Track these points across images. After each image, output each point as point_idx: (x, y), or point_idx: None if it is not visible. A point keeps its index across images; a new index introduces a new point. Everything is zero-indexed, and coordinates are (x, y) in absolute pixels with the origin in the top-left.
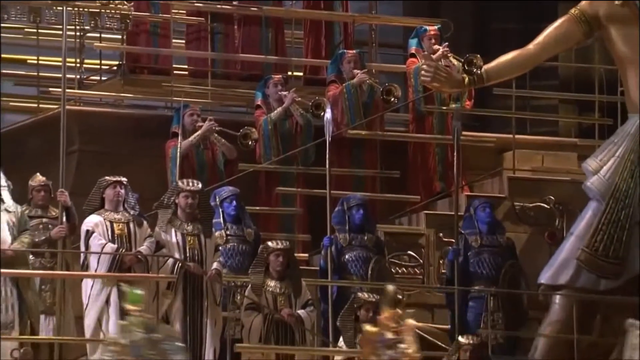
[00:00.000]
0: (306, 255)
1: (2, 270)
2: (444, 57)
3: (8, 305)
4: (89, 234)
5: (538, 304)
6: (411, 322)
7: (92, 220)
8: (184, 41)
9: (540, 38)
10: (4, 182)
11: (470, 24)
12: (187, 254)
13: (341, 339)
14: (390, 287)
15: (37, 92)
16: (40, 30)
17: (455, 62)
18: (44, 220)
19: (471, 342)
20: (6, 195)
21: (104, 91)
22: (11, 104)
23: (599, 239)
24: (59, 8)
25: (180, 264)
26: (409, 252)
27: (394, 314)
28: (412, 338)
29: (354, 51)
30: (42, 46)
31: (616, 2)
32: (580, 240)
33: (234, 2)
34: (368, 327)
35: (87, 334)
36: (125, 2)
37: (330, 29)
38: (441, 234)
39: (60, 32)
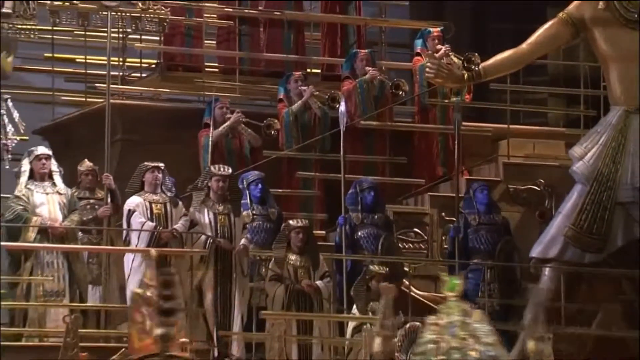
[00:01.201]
0: (323, 232)
1: (55, 245)
2: (445, 55)
3: (60, 276)
4: (130, 213)
5: (530, 276)
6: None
7: (133, 201)
8: (214, 42)
9: (532, 38)
10: (55, 168)
11: (470, 25)
12: (218, 231)
13: (354, 306)
14: (153, 251)
15: (85, 88)
16: (87, 33)
17: (456, 60)
18: (91, 201)
19: (470, 309)
20: (58, 180)
21: (144, 86)
22: (62, 97)
23: (584, 218)
24: (104, 13)
25: (211, 240)
26: (415, 229)
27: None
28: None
29: (366, 51)
30: (89, 47)
31: (599, 7)
32: (567, 218)
33: (260, 7)
34: (137, 290)
35: (129, 302)
36: (162, 7)
37: (345, 31)
38: (443, 214)
39: (105, 34)
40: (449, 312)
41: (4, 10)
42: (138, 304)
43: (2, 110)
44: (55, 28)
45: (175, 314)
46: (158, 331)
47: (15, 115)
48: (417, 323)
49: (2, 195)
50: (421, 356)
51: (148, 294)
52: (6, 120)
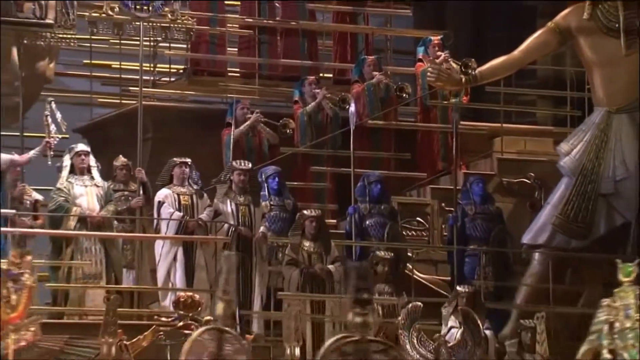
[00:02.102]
0: (334, 221)
1: (92, 233)
2: (445, 61)
3: (97, 260)
4: (160, 204)
5: (521, 260)
6: (29, 257)
7: (163, 193)
8: (236, 49)
9: (523, 46)
10: (93, 163)
11: (467, 34)
12: (239, 221)
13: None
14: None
15: (120, 91)
16: (122, 41)
17: (454, 65)
18: (125, 193)
19: (467, 290)
20: (96, 174)
21: (172, 89)
22: (99, 100)
23: (570, 208)
24: (137, 23)
25: (233, 228)
26: (418, 218)
27: (16, 254)
28: (29, 271)
29: (373, 57)
30: (124, 54)
31: (584, 17)
32: (555, 208)
33: (277, 18)
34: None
35: (159, 283)
36: (189, 18)
37: (354, 39)
38: (443, 204)
39: (138, 43)
40: (625, 296)
41: (47, 21)
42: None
43: (46, 111)
44: (93, 37)
45: (370, 303)
46: (357, 319)
47: (58, 115)
48: (419, 303)
49: (45, 187)
50: (595, 335)
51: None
52: (50, 120)
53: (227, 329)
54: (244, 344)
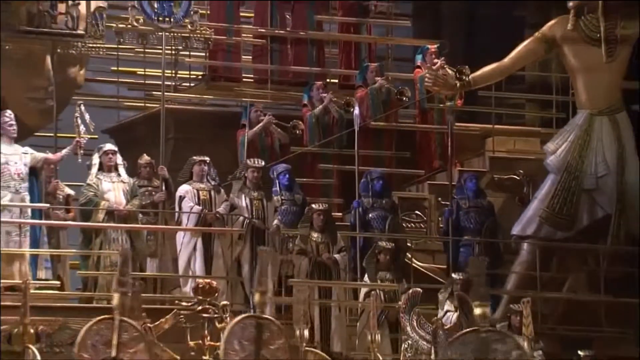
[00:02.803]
0: (340, 214)
1: (119, 225)
2: (441, 68)
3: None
4: (181, 198)
5: (511, 250)
6: None
7: (183, 189)
8: (250, 57)
9: (513, 54)
10: (120, 161)
11: (461, 43)
12: (253, 214)
13: (366, 275)
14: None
15: (144, 95)
16: (146, 50)
17: (450, 71)
18: (149, 188)
19: (462, 277)
20: (122, 171)
21: (192, 94)
22: (125, 103)
23: (556, 202)
24: (159, 33)
25: (248, 221)
26: (416, 211)
27: None
28: None
29: (376, 64)
30: (147, 61)
31: (568, 27)
32: (542, 202)
33: (287, 29)
34: None
35: (180, 271)
36: (207, 29)
37: (358, 48)
38: (439, 199)
39: (161, 51)
40: None
41: (78, 31)
42: None
43: (76, 114)
44: (119, 46)
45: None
46: (477, 311)
47: (87, 117)
48: (418, 289)
49: (76, 183)
50: None
51: None
52: (80, 121)
53: (265, 316)
54: (281, 328)
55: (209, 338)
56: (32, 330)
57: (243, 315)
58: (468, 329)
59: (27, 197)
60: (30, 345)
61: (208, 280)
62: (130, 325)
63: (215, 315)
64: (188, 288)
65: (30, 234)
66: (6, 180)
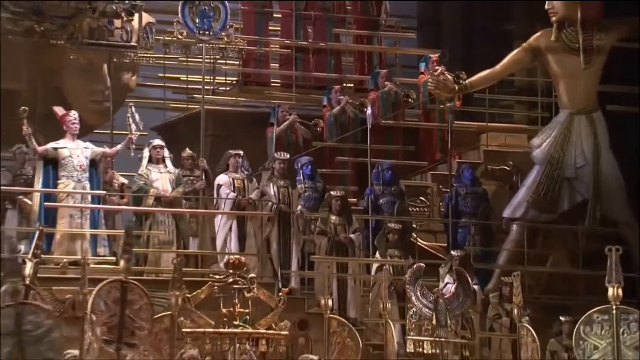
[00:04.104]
0: (355, 199)
1: (166, 209)
2: (442, 74)
3: (169, 230)
4: (219, 186)
5: (502, 230)
6: None
7: (221, 178)
8: (277, 64)
9: (503, 61)
10: (167, 154)
11: (459, 52)
12: (280, 200)
13: (377, 253)
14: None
15: (186, 98)
16: (188, 59)
17: (449, 77)
18: (191, 178)
19: (459, 254)
20: (168, 163)
21: (228, 96)
22: (170, 105)
23: (541, 189)
24: (200, 45)
25: (275, 206)
26: (420, 197)
27: None
28: None
29: (386, 70)
30: (190, 68)
31: (551, 39)
32: (529, 189)
33: (309, 40)
34: None
35: (218, 249)
36: (241, 40)
37: (370, 57)
38: (440, 186)
39: (201, 60)
40: None
41: (131, 43)
42: None
43: (128, 114)
44: (166, 55)
45: None
46: None
47: (137, 117)
48: (422, 264)
49: (129, 173)
50: None
51: None
52: (131, 121)
53: (129, 279)
54: (144, 290)
55: (238, 306)
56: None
57: (108, 280)
58: None
59: (88, 185)
60: (89, 312)
61: (237, 257)
62: (136, 286)
63: (244, 286)
64: (223, 263)
65: (90, 217)
66: (70, 171)
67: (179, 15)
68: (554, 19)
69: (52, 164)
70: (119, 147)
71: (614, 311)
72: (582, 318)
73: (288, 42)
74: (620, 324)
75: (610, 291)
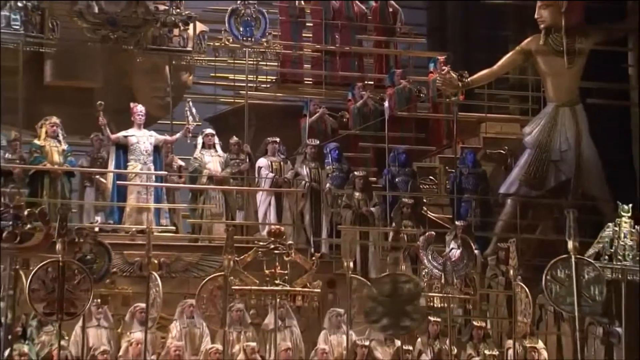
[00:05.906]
0: (375, 179)
1: (217, 187)
2: (448, 73)
3: (219, 204)
4: (260, 168)
5: (498, 204)
6: None
7: (262, 161)
8: (310, 65)
9: (500, 62)
10: (217, 141)
11: (463, 54)
12: (312, 179)
13: (393, 223)
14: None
15: (233, 94)
16: (235, 61)
17: (454, 75)
18: (237, 161)
19: (463, 224)
20: (218, 148)
21: (268, 92)
22: (220, 99)
23: (531, 169)
24: (244, 49)
25: (308, 184)
26: (430, 177)
27: None
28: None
29: (400, 70)
30: (236, 69)
31: (540, 42)
32: (521, 169)
33: (337, 45)
34: None
35: (260, 220)
36: (278, 45)
37: (388, 59)
38: (447, 167)
39: (245, 61)
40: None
41: (187, 48)
42: None
43: (186, 108)
44: (216, 58)
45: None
46: None
47: (193, 110)
48: (432, 232)
49: (186, 157)
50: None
51: None
52: (188, 113)
53: (68, 259)
54: (81, 267)
55: (278, 267)
56: (155, 261)
57: (46, 261)
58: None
59: (152, 167)
60: (154, 272)
61: (278, 226)
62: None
63: (283, 251)
64: (265, 232)
65: (154, 193)
66: (137, 155)
67: (226, 25)
68: (542, 26)
69: (123, 149)
70: (178, 135)
71: (572, 259)
72: (548, 266)
73: (318, 46)
74: (580, 271)
75: (570, 244)
